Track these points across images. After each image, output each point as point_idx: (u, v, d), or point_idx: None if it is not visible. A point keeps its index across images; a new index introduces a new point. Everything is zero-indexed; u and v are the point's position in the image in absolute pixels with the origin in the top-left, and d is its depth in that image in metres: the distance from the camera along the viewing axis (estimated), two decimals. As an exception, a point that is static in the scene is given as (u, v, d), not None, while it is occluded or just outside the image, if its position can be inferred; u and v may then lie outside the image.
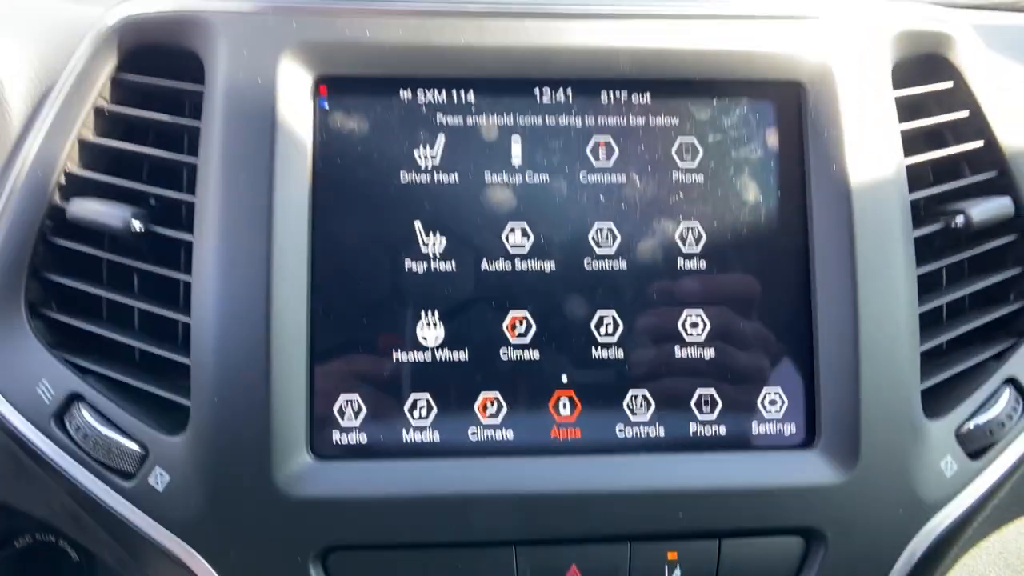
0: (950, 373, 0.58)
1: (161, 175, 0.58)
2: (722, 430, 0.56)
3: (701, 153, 0.57)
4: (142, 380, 0.54)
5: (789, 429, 0.56)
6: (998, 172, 0.62)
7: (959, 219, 0.59)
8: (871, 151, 0.56)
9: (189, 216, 0.54)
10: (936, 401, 0.57)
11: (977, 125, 0.61)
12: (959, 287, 0.61)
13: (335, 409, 0.54)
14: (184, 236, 0.54)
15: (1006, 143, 0.61)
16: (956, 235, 0.60)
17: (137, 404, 0.54)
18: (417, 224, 0.55)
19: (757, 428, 0.56)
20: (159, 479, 0.52)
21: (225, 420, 0.51)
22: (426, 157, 0.55)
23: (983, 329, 0.61)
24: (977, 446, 0.57)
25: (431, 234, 0.55)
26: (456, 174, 0.55)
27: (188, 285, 0.53)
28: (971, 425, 0.57)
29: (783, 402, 0.56)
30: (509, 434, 0.54)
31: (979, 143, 0.61)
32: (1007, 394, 0.58)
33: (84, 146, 0.57)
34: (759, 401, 0.56)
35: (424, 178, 0.55)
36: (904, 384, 0.55)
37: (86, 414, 0.53)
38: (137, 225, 0.54)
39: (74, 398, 0.54)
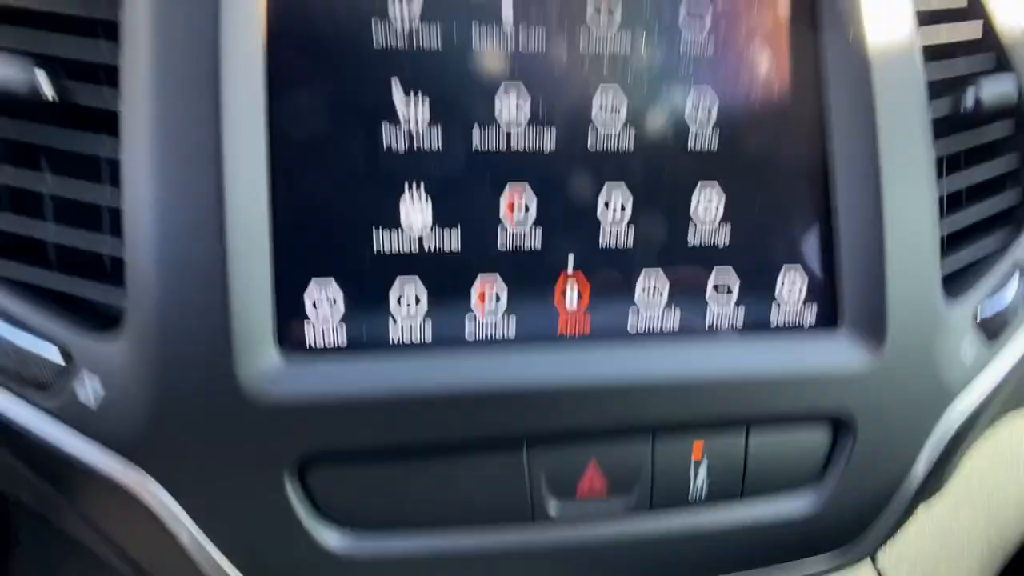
0: (966, 261, 0.56)
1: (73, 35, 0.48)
2: (741, 314, 0.51)
3: (710, 18, 0.51)
4: (60, 283, 0.45)
5: (811, 311, 0.51)
6: (997, 58, 0.59)
7: (969, 97, 0.56)
8: (885, 20, 0.52)
9: (111, 82, 0.44)
10: (953, 286, 0.54)
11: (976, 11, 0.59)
12: (966, 175, 0.58)
13: (306, 297, 0.46)
14: (108, 107, 0.44)
15: (1004, 31, 0.59)
16: (963, 121, 0.57)
17: (56, 312, 0.45)
18: (395, 87, 0.47)
19: (777, 310, 0.51)
20: (91, 391, 0.43)
21: (172, 316, 0.42)
22: (403, 11, 0.47)
23: (987, 221, 0.59)
24: (992, 330, 0.55)
25: (411, 97, 0.47)
26: (439, 30, 0.47)
27: (115, 162, 0.44)
28: (986, 309, 0.54)
29: (804, 281, 0.51)
30: (511, 328, 0.48)
31: (978, 23, 0.58)
32: (1016, 278, 0.56)
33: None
34: (779, 281, 0.51)
35: (402, 30, 0.47)
36: (927, 264, 0.51)
37: (-10, 319, 0.43)
38: (47, 88, 0.44)
39: (-26, 304, 0.43)
